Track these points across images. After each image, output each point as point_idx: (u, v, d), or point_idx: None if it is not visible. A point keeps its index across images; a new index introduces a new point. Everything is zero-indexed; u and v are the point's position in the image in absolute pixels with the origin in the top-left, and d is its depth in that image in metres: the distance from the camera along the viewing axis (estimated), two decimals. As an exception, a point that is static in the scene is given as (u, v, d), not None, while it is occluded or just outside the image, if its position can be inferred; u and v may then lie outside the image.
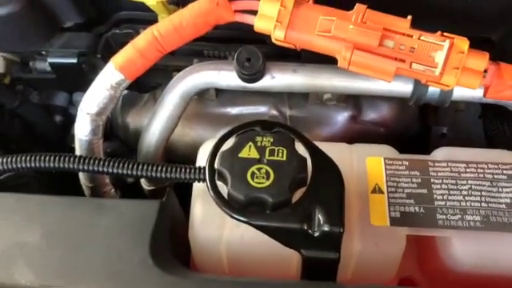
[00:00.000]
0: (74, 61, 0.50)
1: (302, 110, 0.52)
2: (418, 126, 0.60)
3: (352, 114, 0.53)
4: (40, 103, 0.59)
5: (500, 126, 0.55)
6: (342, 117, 0.53)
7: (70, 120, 0.60)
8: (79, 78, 0.52)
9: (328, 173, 0.35)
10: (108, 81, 0.41)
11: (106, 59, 0.47)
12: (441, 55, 0.36)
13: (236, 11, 0.40)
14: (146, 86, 0.55)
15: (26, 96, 0.57)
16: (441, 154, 0.40)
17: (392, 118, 0.55)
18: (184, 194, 0.42)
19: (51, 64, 0.51)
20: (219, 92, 0.53)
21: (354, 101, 0.53)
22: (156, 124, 0.45)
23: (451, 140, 0.57)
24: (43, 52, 0.53)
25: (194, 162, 0.41)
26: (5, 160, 0.38)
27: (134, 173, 0.37)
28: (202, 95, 0.53)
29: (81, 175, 0.45)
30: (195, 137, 0.54)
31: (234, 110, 0.53)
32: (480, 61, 0.37)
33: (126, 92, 0.56)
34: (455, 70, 0.36)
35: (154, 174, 0.37)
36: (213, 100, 0.53)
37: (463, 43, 0.36)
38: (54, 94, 0.60)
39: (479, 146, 0.42)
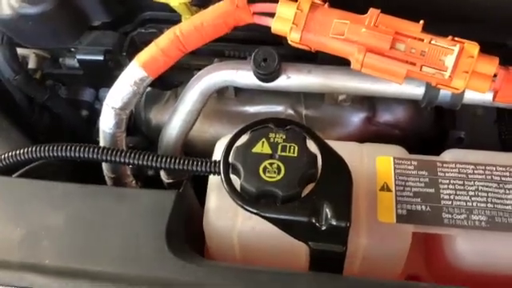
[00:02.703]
0: (101, 58, 0.53)
1: (318, 110, 0.54)
2: (434, 129, 0.61)
3: (367, 116, 0.55)
4: (68, 98, 0.62)
5: (514, 130, 0.56)
6: (356, 118, 0.55)
7: (95, 115, 0.63)
8: (105, 75, 0.55)
9: (337, 170, 0.37)
10: (132, 77, 0.43)
11: (130, 57, 0.49)
12: (451, 59, 0.37)
13: (254, 13, 0.42)
14: (169, 83, 0.57)
15: (55, 91, 0.60)
16: (449, 155, 0.41)
17: (407, 120, 0.56)
18: (200, 187, 0.44)
19: (79, 60, 0.54)
20: (238, 91, 0.55)
21: (369, 102, 0.54)
22: (176, 119, 0.47)
23: (468, 145, 0.58)
24: (72, 49, 0.56)
25: (211, 157, 0.43)
26: (35, 149, 0.41)
27: (154, 164, 0.39)
28: (221, 93, 0.55)
29: (104, 166, 0.48)
30: (213, 133, 0.55)
31: (251, 109, 0.55)
32: (490, 65, 0.38)
33: (149, 89, 0.58)
34: (465, 74, 0.37)
35: (172, 166, 0.39)
36: (232, 98, 0.55)
37: (473, 48, 0.37)
38: (81, 89, 0.63)
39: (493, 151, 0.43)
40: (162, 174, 0.51)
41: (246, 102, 0.55)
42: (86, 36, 0.53)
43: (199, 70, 0.49)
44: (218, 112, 0.56)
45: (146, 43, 0.45)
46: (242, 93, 0.55)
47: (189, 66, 0.54)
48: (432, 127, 0.60)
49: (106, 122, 0.45)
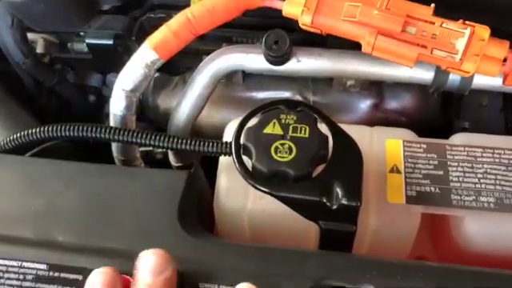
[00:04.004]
0: (110, 42, 0.53)
1: (326, 96, 0.54)
2: (440, 118, 0.61)
3: (374, 102, 0.55)
4: (75, 83, 0.62)
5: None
6: (364, 104, 0.55)
7: (102, 100, 0.63)
8: (114, 59, 0.55)
9: (348, 150, 0.37)
10: (143, 59, 0.44)
11: (139, 42, 0.49)
12: (461, 42, 0.37)
13: (266, -4, 0.42)
14: (177, 69, 0.58)
15: (63, 75, 0.60)
16: (458, 138, 0.41)
17: (414, 107, 0.56)
18: (208, 172, 0.45)
19: (88, 44, 0.54)
20: (246, 77, 0.55)
21: (376, 89, 0.55)
22: (185, 103, 0.48)
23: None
24: (81, 33, 0.56)
25: (220, 141, 0.43)
26: (48, 128, 0.41)
27: (166, 145, 0.39)
28: (229, 79, 0.55)
29: (114, 149, 0.48)
30: (221, 119, 0.56)
31: (259, 95, 0.55)
32: (500, 49, 0.38)
33: (157, 75, 0.58)
34: (475, 57, 0.38)
35: (184, 147, 0.40)
36: (239, 84, 0.55)
37: (484, 31, 0.38)
38: (88, 74, 0.63)
39: (500, 139, 0.43)
40: (171, 157, 0.51)
41: (254, 88, 0.55)
42: (95, 20, 0.53)
43: (208, 55, 0.49)
44: (225, 98, 0.56)
45: (155, 28, 0.45)
46: (249, 79, 0.55)
47: (197, 51, 0.55)
48: (438, 116, 0.61)
49: (117, 105, 0.46)
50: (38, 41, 0.60)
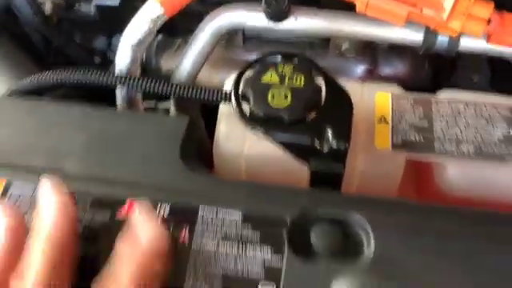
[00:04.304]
0: (117, 3, 0.56)
1: (323, 59, 0.56)
2: (431, 88, 0.64)
3: (369, 68, 0.58)
4: (82, 44, 0.64)
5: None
6: (359, 69, 0.57)
7: (107, 62, 0.66)
8: (120, 20, 0.57)
9: (339, 99, 0.40)
10: (149, 14, 0.46)
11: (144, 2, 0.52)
12: (449, 1, 0.40)
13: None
14: (179, 31, 0.60)
15: (71, 35, 0.62)
16: (444, 94, 0.44)
17: (405, 74, 0.59)
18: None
19: (96, 5, 0.56)
20: (246, 39, 0.58)
21: (371, 55, 0.57)
22: (187, 60, 0.50)
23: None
24: (89, -5, 0.59)
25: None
26: (53, 72, 0.44)
27: (173, 90, 0.42)
28: (229, 42, 0.58)
29: (118, 98, 0.50)
30: (221, 80, 0.57)
31: (257, 58, 0.58)
32: (485, 9, 0.41)
33: (160, 37, 0.61)
34: (461, 16, 0.40)
35: (188, 94, 0.42)
36: (239, 46, 0.58)
37: (470, -9, 0.40)
38: (94, 37, 0.65)
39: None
40: (172, 109, 0.53)
41: (253, 50, 0.58)
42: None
43: (208, 16, 0.52)
44: (225, 60, 0.58)
45: (160, -11, 0.48)
46: (249, 41, 0.58)
47: (199, 13, 0.57)
48: (428, 85, 0.63)
49: (123, 59, 0.48)
50: (46, 2, 0.63)
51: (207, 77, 0.58)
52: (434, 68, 0.61)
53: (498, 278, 0.33)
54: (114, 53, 0.65)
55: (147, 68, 0.63)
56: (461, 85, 0.65)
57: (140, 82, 0.43)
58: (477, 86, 0.65)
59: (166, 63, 0.61)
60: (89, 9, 0.60)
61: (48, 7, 0.62)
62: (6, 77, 0.51)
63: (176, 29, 0.58)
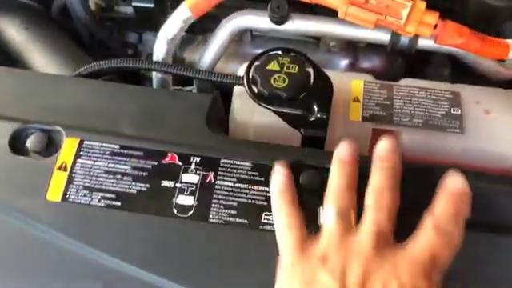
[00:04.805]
0: (151, 5, 0.70)
1: (314, 55, 0.70)
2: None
3: (351, 62, 0.71)
4: (118, 39, 0.78)
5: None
6: (343, 63, 0.71)
7: (138, 54, 0.80)
8: (152, 20, 0.71)
9: (323, 82, 0.54)
10: (181, 16, 0.60)
11: (172, 5, 0.66)
12: (406, 11, 0.54)
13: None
14: (200, 30, 0.74)
15: (111, 31, 0.76)
16: (404, 81, 0.58)
17: (381, 68, 0.73)
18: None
19: (134, 7, 0.70)
20: (254, 37, 0.72)
21: (352, 51, 0.71)
22: (209, 52, 0.64)
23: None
24: (128, -3, 0.73)
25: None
26: (103, 62, 0.58)
27: (199, 75, 0.56)
28: (240, 39, 0.72)
29: (154, 81, 0.64)
30: (233, 70, 0.72)
31: (262, 52, 0.72)
32: (432, 17, 0.54)
33: (183, 34, 0.75)
34: (415, 22, 0.54)
35: (211, 78, 0.56)
36: (248, 43, 0.72)
37: (422, 4, 0.54)
38: (128, 33, 0.79)
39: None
40: (194, 91, 0.68)
41: (260, 46, 0.71)
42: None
43: (224, 18, 0.65)
44: (236, 54, 0.72)
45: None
46: (256, 39, 0.72)
47: (215, 16, 0.71)
48: (401, 77, 0.77)
49: (159, 50, 0.62)
50: (90, 2, 0.77)
51: (221, 67, 0.71)
52: (407, 63, 0.75)
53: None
54: (144, 45, 0.79)
55: (172, 59, 0.77)
56: (431, 78, 0.79)
57: (173, 67, 0.57)
58: (445, 79, 0.79)
59: (188, 55, 0.75)
60: (126, 9, 0.74)
61: (92, 7, 0.76)
62: (67, 64, 0.65)
63: (197, 28, 0.72)
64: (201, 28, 0.73)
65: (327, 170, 0.49)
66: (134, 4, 0.70)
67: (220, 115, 0.58)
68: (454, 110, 0.55)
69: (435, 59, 0.75)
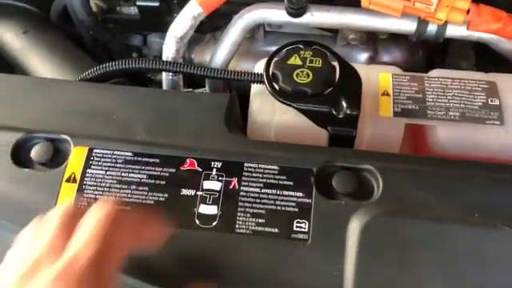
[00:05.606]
0: (157, 4, 0.66)
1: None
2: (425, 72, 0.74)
3: (370, 55, 0.68)
4: (122, 42, 0.74)
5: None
6: (362, 57, 0.67)
7: (142, 56, 0.76)
8: (158, 20, 0.67)
9: (351, 76, 0.50)
10: (191, 12, 0.56)
11: (180, 5, 0.62)
12: (436, -4, 0.50)
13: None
14: (209, 28, 0.70)
15: (114, 33, 0.72)
16: (434, 73, 0.54)
17: (402, 61, 0.69)
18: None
19: (138, 6, 0.66)
20: (266, 34, 0.68)
21: (372, 44, 0.67)
22: (221, 50, 0.60)
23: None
24: (131, -2, 0.69)
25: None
26: (110, 63, 0.54)
27: (217, 75, 0.52)
28: (252, 36, 0.68)
29: (164, 83, 0.60)
30: (245, 68, 0.68)
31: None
32: (465, 2, 0.51)
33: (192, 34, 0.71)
34: (446, 8, 0.50)
35: (227, 76, 0.52)
36: (261, 40, 0.68)
37: (453, -12, 0.50)
38: (132, 36, 0.75)
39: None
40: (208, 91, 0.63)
41: (273, 43, 0.68)
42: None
43: (234, 15, 0.61)
44: (249, 51, 0.68)
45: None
46: (269, 35, 0.68)
47: (225, 13, 0.67)
48: (423, 70, 0.73)
49: (169, 49, 0.58)
50: (91, 5, 0.73)
51: (233, 66, 0.67)
52: (427, 56, 0.71)
53: (480, 207, 0.43)
54: (148, 48, 0.75)
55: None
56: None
57: (186, 66, 0.53)
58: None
59: (197, 55, 0.71)
60: (129, 10, 0.70)
61: (93, 9, 0.72)
62: (71, 68, 0.61)
63: (206, 26, 0.68)
64: (209, 26, 0.69)
65: (361, 170, 0.45)
66: (138, 3, 0.66)
67: (237, 116, 0.54)
68: (491, 101, 0.51)
69: (454, 50, 0.71)
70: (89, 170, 0.46)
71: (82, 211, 0.36)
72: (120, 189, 0.45)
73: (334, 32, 0.67)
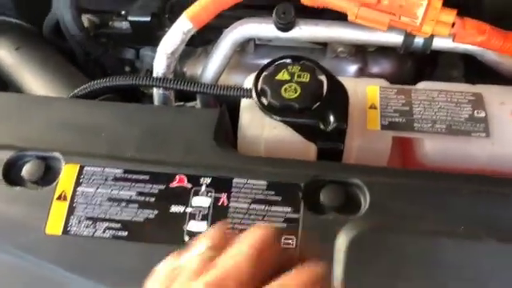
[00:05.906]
0: (148, 19, 0.66)
1: (321, 62, 0.66)
2: (414, 83, 0.75)
3: (360, 67, 0.68)
4: (114, 56, 0.75)
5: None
6: (352, 68, 0.68)
7: (135, 71, 0.76)
8: (149, 34, 0.68)
9: (338, 90, 0.50)
10: (181, 28, 0.56)
11: (170, 19, 0.62)
12: (421, 10, 0.51)
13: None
14: (200, 42, 0.71)
15: (106, 47, 0.72)
16: (421, 85, 0.55)
17: (391, 72, 0.70)
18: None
19: (130, 21, 0.67)
20: (257, 47, 0.68)
21: (361, 56, 0.68)
22: (213, 63, 0.61)
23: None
24: (122, 12, 0.69)
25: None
26: (100, 81, 0.55)
27: (205, 90, 0.52)
28: (243, 49, 0.68)
29: (155, 98, 0.61)
30: (236, 82, 0.68)
31: (267, 62, 0.68)
32: (449, 15, 0.51)
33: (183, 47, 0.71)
34: (431, 22, 0.51)
35: (216, 92, 0.53)
36: (251, 53, 0.69)
37: (438, 2, 0.51)
38: (125, 50, 0.76)
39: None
40: (197, 107, 0.64)
41: (263, 56, 0.68)
42: (136, 1, 0.67)
43: (225, 29, 0.62)
44: (239, 64, 0.69)
45: (184, 8, 0.58)
46: (259, 49, 0.69)
47: (216, 27, 0.67)
48: (412, 81, 0.74)
49: (159, 65, 0.58)
50: (84, 19, 0.73)
51: (224, 79, 0.68)
52: (416, 66, 0.72)
53: (467, 220, 0.44)
54: (141, 62, 0.76)
55: (173, 74, 0.74)
56: (441, 81, 0.76)
57: (176, 82, 0.54)
58: (455, 81, 0.76)
59: (189, 69, 0.71)
60: (121, 25, 0.71)
61: (85, 24, 0.73)
62: (62, 85, 0.61)
63: (197, 40, 0.68)
64: (201, 40, 0.70)
65: (349, 184, 0.46)
66: (130, 18, 0.67)
67: (227, 131, 0.54)
68: (477, 113, 0.51)
69: (443, 60, 0.72)
70: (79, 188, 0.46)
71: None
72: (110, 206, 0.45)
73: (323, 45, 0.68)
